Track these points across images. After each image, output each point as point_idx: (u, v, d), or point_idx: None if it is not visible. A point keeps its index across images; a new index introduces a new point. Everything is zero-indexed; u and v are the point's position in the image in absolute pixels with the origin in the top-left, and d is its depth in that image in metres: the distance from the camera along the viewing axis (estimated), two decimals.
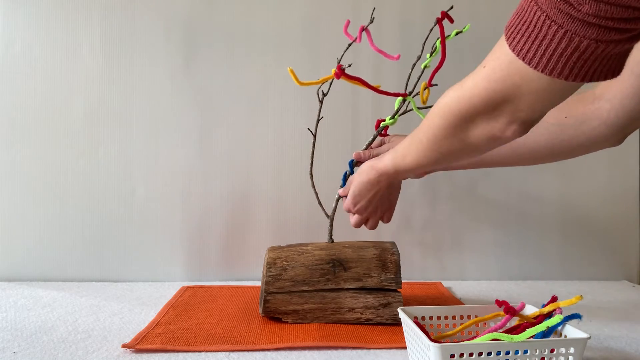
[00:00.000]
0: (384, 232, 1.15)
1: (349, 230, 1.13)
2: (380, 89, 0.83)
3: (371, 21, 0.80)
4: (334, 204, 0.87)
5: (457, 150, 0.62)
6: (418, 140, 0.66)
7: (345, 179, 0.85)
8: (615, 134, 0.71)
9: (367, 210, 0.82)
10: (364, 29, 0.80)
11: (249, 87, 1.13)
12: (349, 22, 0.82)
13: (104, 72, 1.11)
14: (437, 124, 0.61)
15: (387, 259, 0.82)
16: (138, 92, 1.11)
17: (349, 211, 0.84)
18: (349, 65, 0.81)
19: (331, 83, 0.84)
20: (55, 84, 1.10)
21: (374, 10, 0.82)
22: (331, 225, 0.87)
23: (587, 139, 0.72)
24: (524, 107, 0.53)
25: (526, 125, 0.55)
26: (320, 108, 0.85)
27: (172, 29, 1.12)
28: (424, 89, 0.80)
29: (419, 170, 0.75)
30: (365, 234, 1.13)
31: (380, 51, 0.79)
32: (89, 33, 1.10)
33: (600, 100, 0.70)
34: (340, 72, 0.80)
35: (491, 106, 0.54)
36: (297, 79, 0.81)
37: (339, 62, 0.81)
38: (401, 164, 0.71)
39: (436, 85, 0.80)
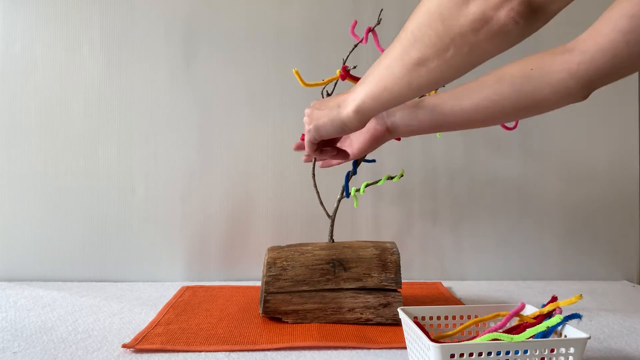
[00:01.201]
0: (384, 232, 1.15)
1: (349, 230, 1.14)
2: None
3: (378, 22, 0.80)
4: (335, 204, 0.87)
5: (440, 45, 0.50)
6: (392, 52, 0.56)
7: (347, 179, 0.85)
8: (582, 89, 0.68)
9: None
10: (370, 30, 0.80)
11: (249, 86, 1.13)
12: (356, 22, 0.81)
13: (104, 72, 1.11)
14: (426, 8, 0.51)
15: (387, 259, 0.82)
16: (138, 92, 1.11)
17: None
18: (354, 67, 0.81)
19: (336, 83, 0.84)
20: (56, 84, 1.10)
21: (381, 11, 0.82)
22: (332, 226, 0.87)
23: (552, 91, 0.69)
24: None
25: (530, 7, 0.45)
26: None
27: (172, 29, 1.12)
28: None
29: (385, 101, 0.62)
30: (365, 234, 1.14)
31: None
32: (89, 33, 1.10)
33: (572, 52, 0.67)
34: (346, 74, 0.80)
35: None
36: (302, 80, 0.81)
37: (344, 62, 0.81)
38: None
39: (443, 86, 0.80)
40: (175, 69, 1.12)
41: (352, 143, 0.82)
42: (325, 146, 0.76)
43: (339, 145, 0.82)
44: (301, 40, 1.13)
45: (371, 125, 0.79)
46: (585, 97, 0.70)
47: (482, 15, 0.46)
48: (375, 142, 0.80)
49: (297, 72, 0.80)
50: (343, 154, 0.79)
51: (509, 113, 0.74)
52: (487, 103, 0.72)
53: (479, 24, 0.47)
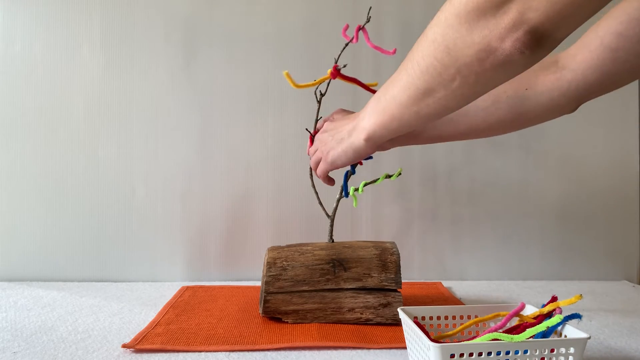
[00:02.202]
0: (384, 232, 1.15)
1: (349, 230, 1.14)
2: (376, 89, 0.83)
3: (367, 20, 0.80)
4: (334, 204, 0.87)
5: (446, 75, 0.51)
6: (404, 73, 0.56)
7: (346, 179, 0.85)
8: (571, 104, 0.71)
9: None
10: (360, 28, 0.80)
11: (248, 86, 1.13)
12: (347, 26, 0.82)
13: (104, 72, 1.11)
14: (432, 36, 0.51)
15: (387, 259, 0.82)
16: (138, 92, 1.11)
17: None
18: (344, 66, 0.82)
19: (329, 83, 0.84)
20: (56, 84, 1.10)
21: (370, 9, 0.82)
22: (332, 225, 0.87)
23: (545, 110, 0.72)
24: (537, 6, 0.43)
25: (535, 37, 0.44)
26: (319, 108, 0.85)
27: (172, 29, 1.12)
28: None
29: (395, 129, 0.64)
30: (365, 234, 1.14)
31: (376, 47, 0.79)
32: (89, 33, 1.10)
33: (564, 69, 0.69)
34: (336, 73, 0.81)
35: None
36: (293, 82, 0.81)
37: (336, 62, 0.82)
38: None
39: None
40: (175, 69, 1.12)
41: None
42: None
43: None
44: (301, 40, 1.13)
45: None
46: (574, 110, 0.73)
47: (487, 46, 0.47)
48: None
49: (287, 75, 0.81)
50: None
51: (504, 130, 0.77)
52: (486, 123, 0.75)
53: (484, 55, 0.47)
